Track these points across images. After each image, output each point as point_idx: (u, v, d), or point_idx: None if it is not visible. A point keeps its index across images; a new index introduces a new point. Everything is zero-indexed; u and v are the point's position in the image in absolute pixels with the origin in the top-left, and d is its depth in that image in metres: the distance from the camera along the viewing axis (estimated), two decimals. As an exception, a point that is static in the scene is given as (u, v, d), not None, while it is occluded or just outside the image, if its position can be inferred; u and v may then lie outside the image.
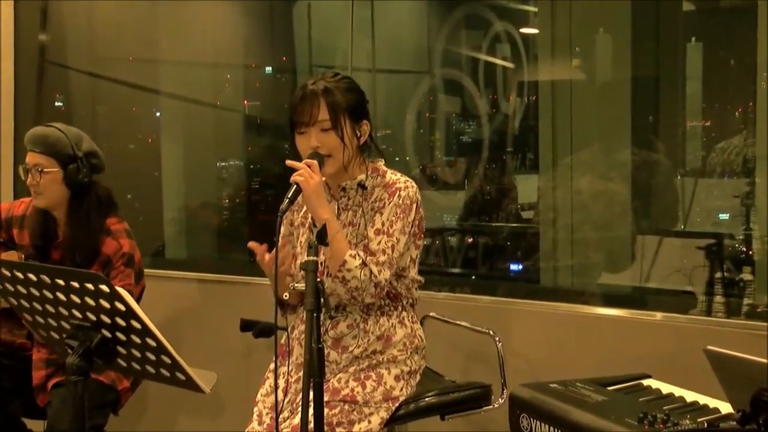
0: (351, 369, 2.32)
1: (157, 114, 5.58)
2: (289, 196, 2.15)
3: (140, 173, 5.50)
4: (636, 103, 4.07)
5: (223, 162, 5.69)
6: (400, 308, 2.42)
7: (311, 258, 1.87)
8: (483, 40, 5.21)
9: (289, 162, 2.22)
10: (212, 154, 5.60)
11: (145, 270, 3.04)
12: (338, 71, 2.39)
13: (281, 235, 2.53)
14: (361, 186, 2.35)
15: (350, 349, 2.32)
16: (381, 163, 2.42)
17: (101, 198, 2.98)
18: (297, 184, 2.18)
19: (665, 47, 4.21)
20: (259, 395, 2.43)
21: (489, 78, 5.22)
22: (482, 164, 5.06)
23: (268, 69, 5.86)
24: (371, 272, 2.21)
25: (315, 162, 2.22)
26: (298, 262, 2.35)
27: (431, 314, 3.03)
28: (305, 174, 2.18)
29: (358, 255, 2.23)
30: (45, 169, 2.87)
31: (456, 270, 4.87)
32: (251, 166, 5.69)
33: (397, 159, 5.56)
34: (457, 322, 3.01)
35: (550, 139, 4.18)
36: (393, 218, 2.29)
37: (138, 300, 2.98)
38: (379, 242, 2.27)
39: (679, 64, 4.15)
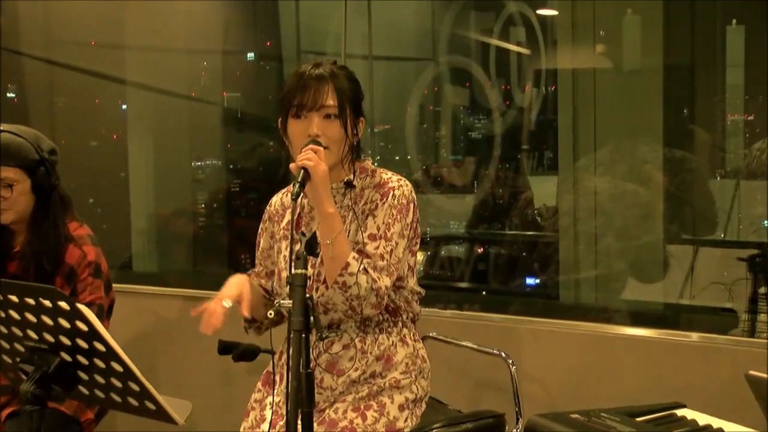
0: (349, 397, 2.32)
1: (124, 107, 5.59)
2: (299, 180, 2.13)
3: (104, 174, 5.50)
4: (669, 94, 4.08)
5: (198, 161, 5.69)
6: (400, 324, 2.42)
7: (299, 271, 1.87)
8: (495, 22, 5.23)
9: (293, 166, 2.20)
10: (186, 152, 5.60)
11: (113, 288, 3.04)
12: (334, 59, 2.42)
13: (260, 249, 2.54)
14: (349, 185, 2.37)
15: (347, 372, 2.32)
16: (368, 162, 2.44)
17: (63, 199, 3.00)
18: (305, 169, 2.16)
19: (702, 31, 4.23)
20: (242, 429, 2.43)
21: (501, 66, 5.23)
22: (494, 164, 5.07)
23: (250, 55, 5.87)
24: (372, 278, 2.22)
25: (321, 149, 2.22)
26: (283, 278, 2.36)
27: (432, 334, 3.04)
28: (315, 158, 2.18)
29: (360, 258, 2.24)
30: (14, 183, 2.89)
31: (464, 284, 4.88)
32: (231, 167, 5.69)
33: (396, 158, 5.57)
34: (464, 342, 3.01)
35: (571, 135, 4.19)
36: (389, 220, 2.30)
37: (109, 314, 2.99)
38: (377, 246, 2.27)
39: (717, 50, 4.17)
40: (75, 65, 5.30)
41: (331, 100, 2.27)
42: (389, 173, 2.40)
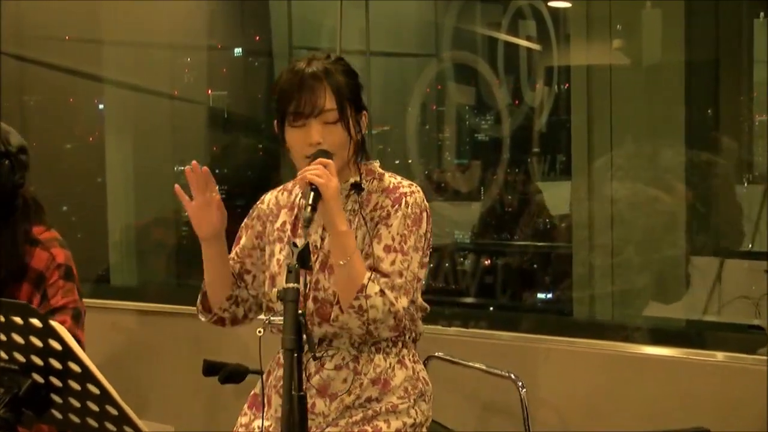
0: (342, 422, 2.32)
1: (100, 106, 5.60)
2: (310, 202, 2.11)
3: (79, 179, 5.51)
4: (691, 92, 4.10)
5: (181, 165, 5.70)
6: (400, 344, 2.41)
7: (291, 285, 1.88)
8: (503, 15, 5.25)
9: (300, 176, 2.18)
10: (168, 155, 5.61)
11: (86, 300, 3.04)
12: (328, 53, 2.40)
13: (241, 245, 2.53)
14: (356, 187, 2.35)
15: (340, 396, 2.32)
16: (376, 164, 2.42)
17: (29, 202, 2.98)
18: (315, 187, 2.13)
19: (727, 24, 4.24)
20: (228, 455, 2.44)
21: (510, 63, 5.25)
22: (502, 169, 5.09)
23: (238, 51, 5.88)
24: (389, 300, 2.20)
25: (331, 162, 2.20)
26: (278, 283, 2.35)
27: (437, 354, 3.04)
28: (326, 174, 2.16)
29: (376, 278, 2.22)
30: None
31: (469, 299, 4.88)
32: (216, 171, 5.68)
33: (396, 162, 5.57)
34: (471, 363, 3.01)
35: (585, 137, 4.20)
36: (405, 232, 2.28)
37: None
38: (393, 261, 2.25)
39: (743, 45, 4.18)
40: (47, 61, 5.31)
41: (329, 104, 2.24)
42: (398, 177, 2.39)
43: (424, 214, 2.33)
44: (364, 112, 2.36)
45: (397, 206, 2.30)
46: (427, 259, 2.40)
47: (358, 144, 2.34)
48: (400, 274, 2.24)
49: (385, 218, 2.30)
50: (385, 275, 2.23)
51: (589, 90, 4.25)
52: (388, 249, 2.27)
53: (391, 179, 2.37)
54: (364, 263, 2.24)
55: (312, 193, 2.12)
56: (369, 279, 2.19)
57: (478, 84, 5.38)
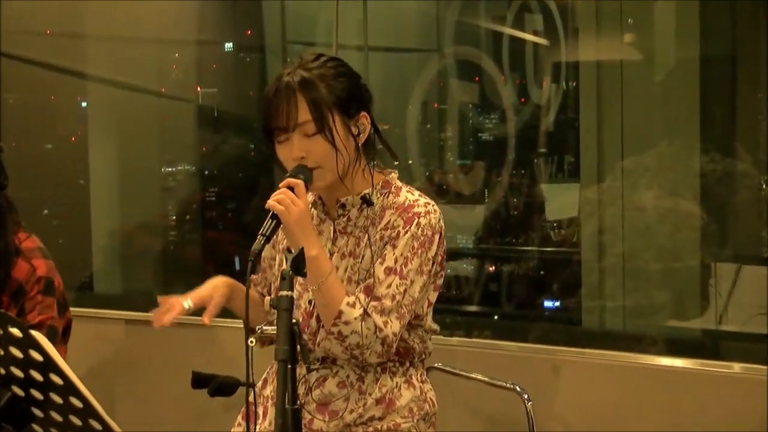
0: (341, 440, 2.32)
1: (83, 104, 5.60)
2: (265, 232, 2.11)
3: (61, 181, 5.51)
4: (707, 90, 4.10)
5: (169, 167, 5.70)
6: (407, 364, 2.41)
7: (285, 293, 1.88)
8: (508, 9, 5.25)
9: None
10: (155, 156, 5.62)
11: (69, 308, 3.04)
12: (320, 52, 2.38)
13: (262, 256, 2.52)
14: (366, 201, 2.33)
15: (341, 414, 2.32)
16: (394, 176, 2.39)
17: (3, 207, 2.97)
18: (274, 213, 2.14)
19: (744, 18, 4.24)
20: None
21: (516, 58, 5.26)
22: (507, 170, 5.09)
23: (229, 46, 5.89)
24: (375, 325, 2.20)
25: (299, 182, 2.20)
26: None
27: (437, 365, 3.04)
28: (285, 200, 2.15)
29: (358, 301, 2.21)
30: None
31: (473, 307, 4.89)
32: (206, 173, 5.70)
33: (396, 163, 5.57)
34: (473, 375, 3.01)
35: (595, 137, 4.21)
36: (408, 254, 2.26)
37: (65, 338, 2.98)
38: (389, 284, 2.24)
39: (762, 40, 4.18)
40: (27, 57, 5.31)
41: (304, 116, 2.21)
42: (416, 193, 2.35)
43: (437, 237, 2.31)
44: (363, 112, 2.33)
45: (408, 227, 2.28)
46: (440, 281, 2.39)
47: (357, 148, 2.31)
48: (393, 298, 2.23)
49: (393, 239, 2.28)
50: (377, 298, 2.23)
51: (599, 87, 4.26)
52: (388, 271, 2.26)
53: (407, 195, 2.34)
54: (342, 285, 2.24)
55: (270, 221, 2.13)
56: (348, 304, 2.19)
57: (482, 81, 5.39)
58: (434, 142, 5.78)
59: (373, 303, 2.22)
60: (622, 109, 4.13)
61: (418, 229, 2.27)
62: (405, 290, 2.25)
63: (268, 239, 2.12)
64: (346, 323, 2.19)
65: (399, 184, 2.38)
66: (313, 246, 2.18)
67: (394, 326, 2.23)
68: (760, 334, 3.64)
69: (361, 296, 2.23)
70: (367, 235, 2.31)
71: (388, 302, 2.23)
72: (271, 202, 2.14)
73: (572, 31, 4.89)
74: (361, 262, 2.28)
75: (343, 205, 2.34)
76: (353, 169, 2.31)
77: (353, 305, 2.20)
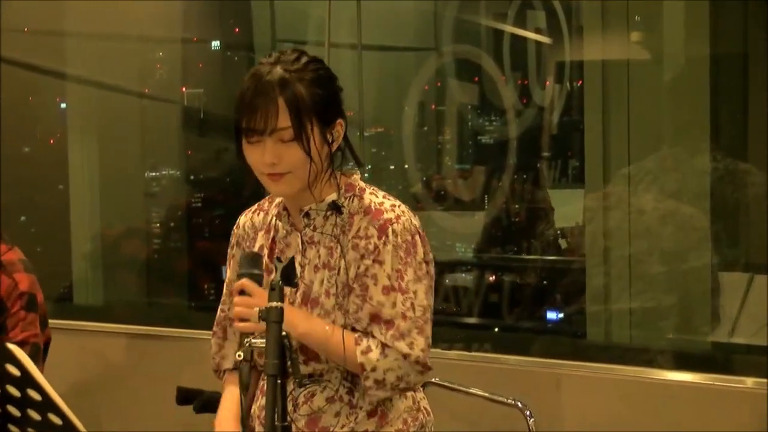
0: (331, 456, 2.33)
1: (63, 105, 5.60)
2: (241, 355, 2.00)
3: (39, 186, 5.51)
4: (717, 91, 4.11)
5: (153, 171, 5.71)
6: (400, 374, 2.43)
7: (274, 304, 1.88)
8: (509, 6, 5.26)
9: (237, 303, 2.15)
10: (138, 160, 5.62)
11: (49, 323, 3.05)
12: (301, 50, 2.34)
13: (228, 281, 2.52)
14: (335, 208, 2.32)
15: (331, 430, 2.32)
16: (356, 177, 2.39)
17: None
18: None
19: (756, 16, 4.26)
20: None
21: (517, 58, 5.27)
22: (508, 175, 5.09)
23: (215, 44, 5.89)
24: (400, 352, 2.21)
25: (255, 288, 2.12)
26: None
27: (435, 380, 3.05)
28: (244, 312, 2.09)
29: (371, 340, 2.22)
30: None
31: (472, 319, 4.89)
32: (191, 177, 5.70)
33: (392, 167, 5.59)
34: (473, 390, 3.02)
35: (600, 139, 4.21)
36: (400, 266, 2.26)
37: (45, 355, 2.99)
38: (394, 303, 2.24)
39: (775, 38, 4.20)
40: (4, 56, 5.31)
41: (283, 122, 2.19)
42: (380, 195, 2.35)
43: (417, 238, 2.30)
44: (340, 120, 2.30)
45: (384, 237, 2.26)
46: (433, 282, 2.39)
47: (331, 154, 2.29)
48: (404, 317, 2.23)
49: (373, 253, 2.27)
50: (388, 323, 2.23)
51: (605, 88, 4.26)
52: (387, 290, 2.25)
53: (371, 198, 2.33)
54: (346, 338, 2.22)
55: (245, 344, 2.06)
56: (362, 353, 2.21)
57: (482, 81, 5.40)
58: (432, 145, 5.78)
59: (386, 330, 2.22)
60: (629, 110, 4.14)
61: (396, 237, 2.26)
62: (412, 304, 2.25)
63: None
64: (374, 370, 2.21)
65: (362, 185, 2.37)
66: (298, 325, 2.19)
67: (419, 343, 2.23)
68: (760, 346, 3.64)
69: (375, 329, 2.23)
70: (337, 245, 2.30)
71: (401, 323, 2.23)
72: (240, 326, 2.10)
73: (576, 28, 4.90)
74: (338, 274, 2.28)
75: (307, 213, 2.33)
76: (321, 176, 2.30)
77: (367, 351, 2.21)
